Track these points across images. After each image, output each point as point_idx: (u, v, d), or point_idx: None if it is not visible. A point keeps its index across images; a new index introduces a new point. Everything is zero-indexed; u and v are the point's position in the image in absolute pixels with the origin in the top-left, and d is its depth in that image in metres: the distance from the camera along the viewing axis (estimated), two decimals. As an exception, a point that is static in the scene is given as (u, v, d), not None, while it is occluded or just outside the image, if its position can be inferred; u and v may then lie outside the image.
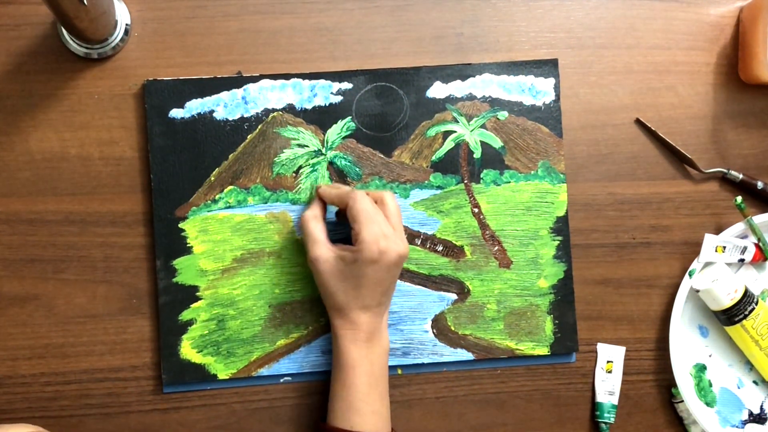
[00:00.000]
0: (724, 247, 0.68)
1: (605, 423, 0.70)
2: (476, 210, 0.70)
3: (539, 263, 0.70)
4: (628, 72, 0.71)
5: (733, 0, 0.72)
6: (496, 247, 0.70)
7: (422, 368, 0.69)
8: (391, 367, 0.69)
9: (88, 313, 0.68)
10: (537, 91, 0.70)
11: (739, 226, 0.69)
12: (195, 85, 0.68)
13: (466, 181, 0.70)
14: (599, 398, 0.70)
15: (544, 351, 0.70)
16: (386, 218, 0.63)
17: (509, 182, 0.70)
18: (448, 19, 0.70)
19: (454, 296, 0.69)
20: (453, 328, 0.69)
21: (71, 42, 0.67)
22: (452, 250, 0.70)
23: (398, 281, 0.69)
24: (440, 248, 0.70)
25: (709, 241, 0.68)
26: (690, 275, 0.68)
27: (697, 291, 0.68)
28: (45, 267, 0.67)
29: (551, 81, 0.70)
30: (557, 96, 0.70)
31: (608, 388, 0.70)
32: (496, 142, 0.70)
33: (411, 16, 0.70)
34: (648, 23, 0.72)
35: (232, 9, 0.69)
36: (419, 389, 0.70)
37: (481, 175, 0.70)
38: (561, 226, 0.70)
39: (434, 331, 0.69)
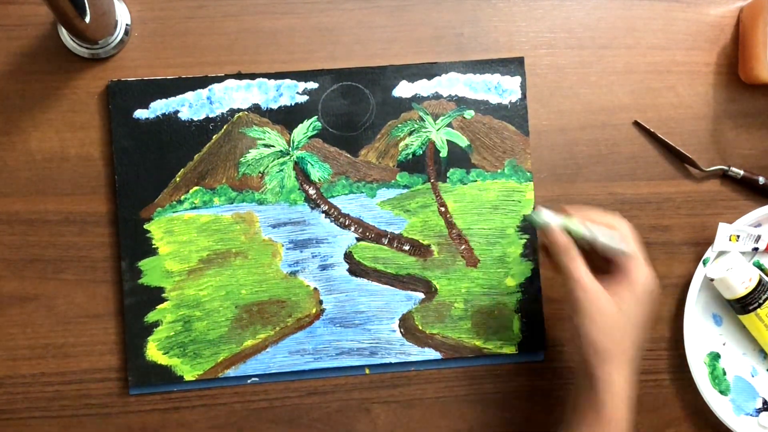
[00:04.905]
0: (738, 236, 0.68)
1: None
2: (443, 209, 0.70)
3: (506, 262, 0.70)
4: (628, 72, 0.71)
5: (733, 0, 0.72)
6: (463, 246, 0.70)
7: (390, 368, 0.69)
8: (359, 367, 0.69)
9: (88, 313, 0.68)
10: (503, 89, 0.70)
11: (753, 215, 0.69)
12: (159, 85, 0.67)
13: (432, 180, 0.70)
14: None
15: (511, 350, 0.69)
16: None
17: (476, 181, 0.70)
18: (448, 19, 0.70)
19: (421, 295, 0.69)
20: (420, 328, 0.69)
21: (71, 42, 0.67)
22: (419, 249, 0.69)
23: (365, 281, 0.69)
24: (407, 247, 0.69)
25: (723, 230, 0.68)
26: (704, 264, 0.69)
27: (712, 280, 0.68)
28: (45, 267, 0.67)
29: (517, 79, 0.70)
30: (523, 94, 0.70)
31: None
32: (463, 141, 0.70)
33: (411, 16, 0.70)
34: (648, 23, 0.72)
35: (232, 9, 0.69)
36: (419, 389, 0.70)
37: (448, 174, 0.70)
38: (528, 225, 0.70)
39: (401, 330, 0.69)
